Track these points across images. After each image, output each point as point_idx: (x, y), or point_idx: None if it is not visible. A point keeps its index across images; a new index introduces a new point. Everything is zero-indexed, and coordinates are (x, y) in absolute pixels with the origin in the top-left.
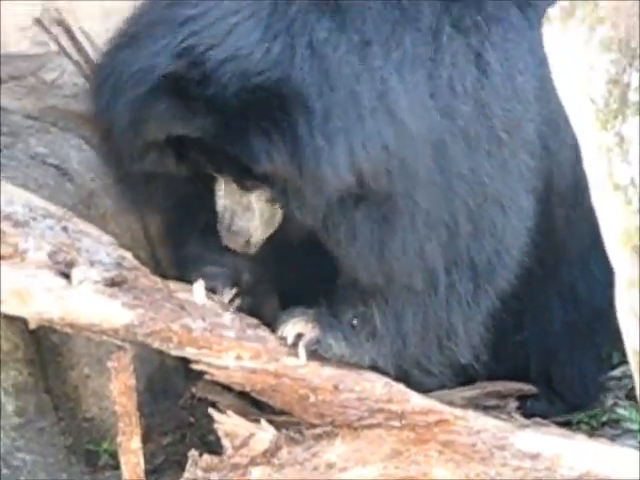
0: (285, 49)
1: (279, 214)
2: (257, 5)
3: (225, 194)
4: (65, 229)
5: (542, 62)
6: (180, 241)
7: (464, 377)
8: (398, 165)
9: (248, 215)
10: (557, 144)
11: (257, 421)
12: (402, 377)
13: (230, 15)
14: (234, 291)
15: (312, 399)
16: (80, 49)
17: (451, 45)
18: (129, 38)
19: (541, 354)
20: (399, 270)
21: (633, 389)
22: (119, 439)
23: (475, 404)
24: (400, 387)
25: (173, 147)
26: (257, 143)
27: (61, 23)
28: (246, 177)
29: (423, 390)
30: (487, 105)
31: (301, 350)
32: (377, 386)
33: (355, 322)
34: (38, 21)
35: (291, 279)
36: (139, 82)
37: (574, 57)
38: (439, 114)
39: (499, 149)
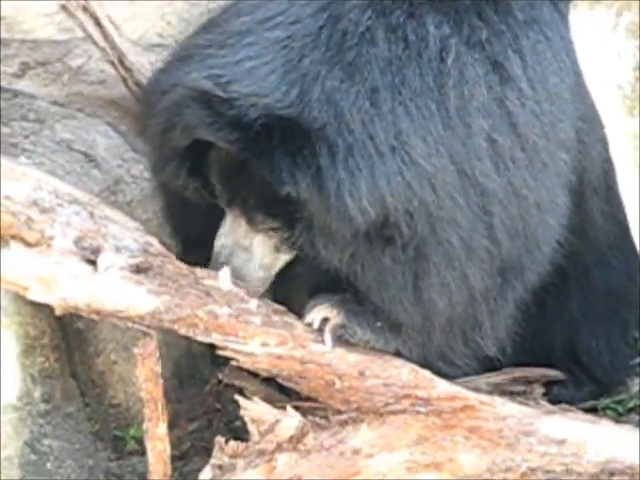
0: (301, 93)
1: (279, 264)
2: (272, 54)
3: (229, 231)
4: (91, 215)
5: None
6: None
7: (489, 368)
8: (419, 206)
9: (247, 256)
10: (591, 139)
11: (283, 407)
12: (426, 367)
13: (248, 59)
14: None
15: (338, 385)
16: (106, 35)
17: (458, 64)
18: (167, 64)
19: (565, 333)
20: (441, 304)
21: None
22: (145, 425)
23: (501, 390)
24: (426, 373)
25: (191, 160)
26: (282, 162)
27: (87, 9)
28: (261, 208)
29: (447, 379)
30: (514, 114)
31: (327, 335)
32: (403, 372)
33: (379, 323)
34: (64, 7)
35: (314, 268)
36: (169, 94)
37: (601, 43)
38: (456, 142)
39: (535, 154)
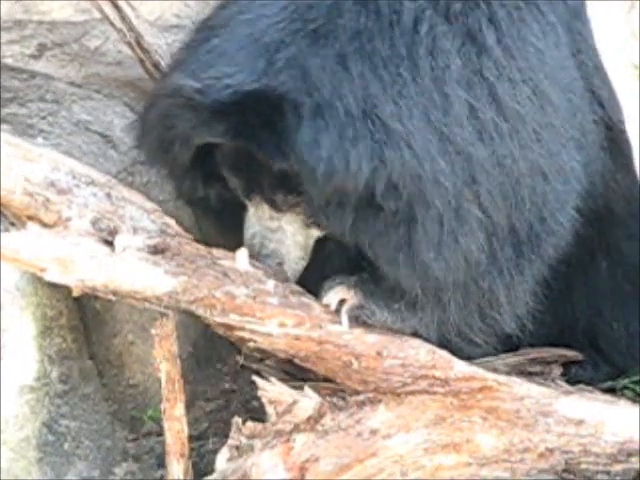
0: (267, 63)
1: (312, 239)
2: (241, 34)
3: (255, 220)
4: (109, 196)
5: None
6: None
7: (509, 346)
8: (401, 168)
9: (279, 237)
10: (610, 95)
11: (301, 388)
12: (445, 346)
13: (219, 44)
14: None
15: (355, 366)
16: (123, 16)
17: (431, 35)
18: (162, 74)
19: (588, 313)
20: (436, 267)
21: None
22: (163, 406)
23: (519, 371)
24: (444, 354)
25: (201, 168)
26: (263, 138)
27: None
28: (277, 188)
29: (467, 358)
30: (493, 84)
31: (343, 315)
32: (421, 353)
33: (397, 305)
34: None
35: (332, 249)
36: (155, 107)
37: (616, 24)
38: (433, 107)
39: (521, 123)
